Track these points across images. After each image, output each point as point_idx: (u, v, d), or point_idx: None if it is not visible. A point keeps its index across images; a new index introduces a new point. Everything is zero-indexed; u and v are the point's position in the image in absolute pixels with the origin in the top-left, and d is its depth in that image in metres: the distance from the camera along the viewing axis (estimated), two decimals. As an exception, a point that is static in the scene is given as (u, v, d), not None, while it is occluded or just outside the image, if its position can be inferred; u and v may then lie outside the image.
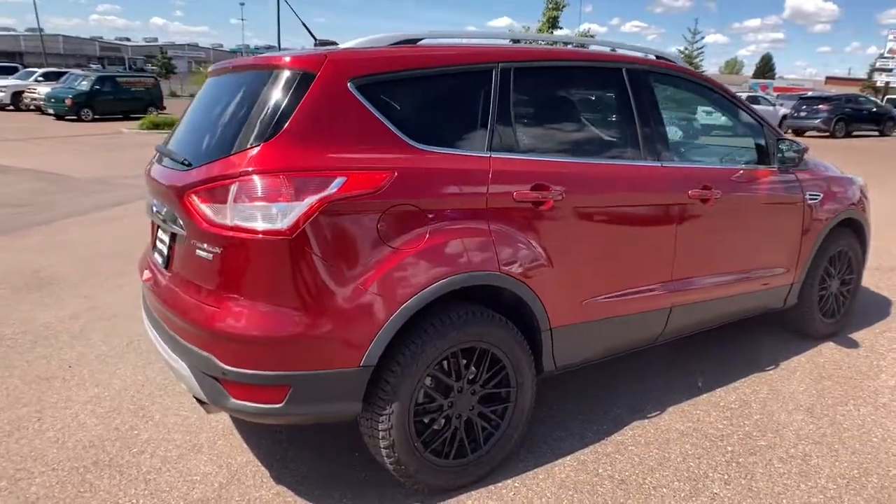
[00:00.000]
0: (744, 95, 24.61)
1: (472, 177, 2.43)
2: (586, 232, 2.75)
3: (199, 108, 2.79)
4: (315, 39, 2.90)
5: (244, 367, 2.16)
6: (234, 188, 2.12)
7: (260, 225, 2.10)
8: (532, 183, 2.55)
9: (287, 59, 2.30)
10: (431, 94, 2.51)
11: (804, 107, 24.05)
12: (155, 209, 2.63)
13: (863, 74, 57.37)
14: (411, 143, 2.33)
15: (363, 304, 2.20)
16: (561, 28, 17.20)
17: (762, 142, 3.55)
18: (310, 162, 2.16)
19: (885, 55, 34.32)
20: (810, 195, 3.66)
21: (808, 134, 23.34)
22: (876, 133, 24.78)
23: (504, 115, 2.56)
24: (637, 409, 3.19)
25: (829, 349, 3.94)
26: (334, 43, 2.89)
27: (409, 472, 2.41)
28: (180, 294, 2.36)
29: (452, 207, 2.37)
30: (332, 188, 2.14)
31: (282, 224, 2.10)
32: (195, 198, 2.23)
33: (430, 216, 2.32)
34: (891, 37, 34.42)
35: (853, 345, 4.01)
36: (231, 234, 2.13)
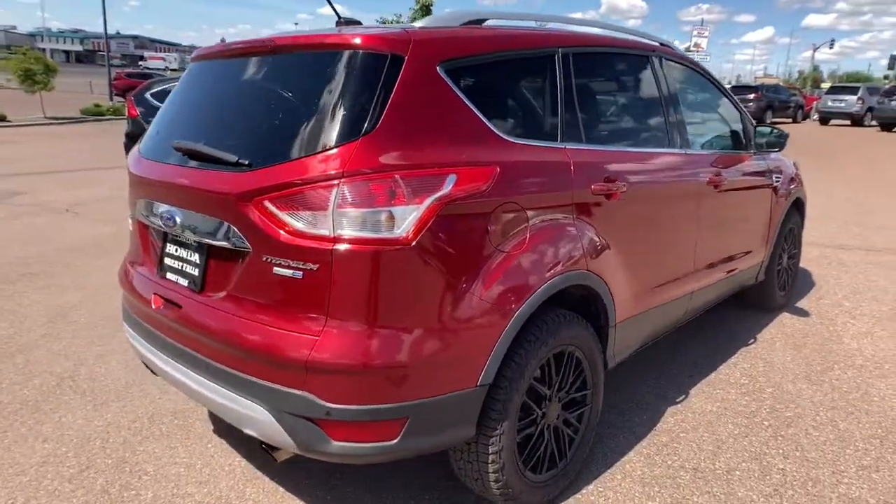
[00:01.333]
0: None
1: (560, 170, 2.25)
2: (640, 223, 2.69)
3: (216, 97, 2.30)
4: (339, 17, 2.53)
5: (355, 403, 1.81)
6: (336, 192, 1.75)
7: (372, 234, 1.76)
8: (604, 174, 2.43)
9: (360, 39, 1.93)
10: (512, 80, 2.29)
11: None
12: (171, 219, 2.13)
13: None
14: (500, 134, 2.10)
15: (480, 315, 1.95)
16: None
17: (742, 128, 3.73)
18: (418, 158, 1.86)
19: (691, 49, 38.60)
20: (776, 177, 3.94)
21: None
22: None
23: (570, 104, 2.41)
24: (662, 395, 3.22)
25: (788, 320, 4.28)
26: (358, 22, 2.54)
27: (513, 495, 2.19)
28: (244, 322, 1.92)
29: (546, 204, 2.18)
30: (447, 187, 1.86)
31: (399, 231, 1.77)
32: (271, 205, 1.82)
33: (529, 214, 2.11)
34: (695, 32, 38.87)
35: (804, 314, 4.39)
36: (333, 246, 1.75)
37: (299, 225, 1.79)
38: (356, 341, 1.79)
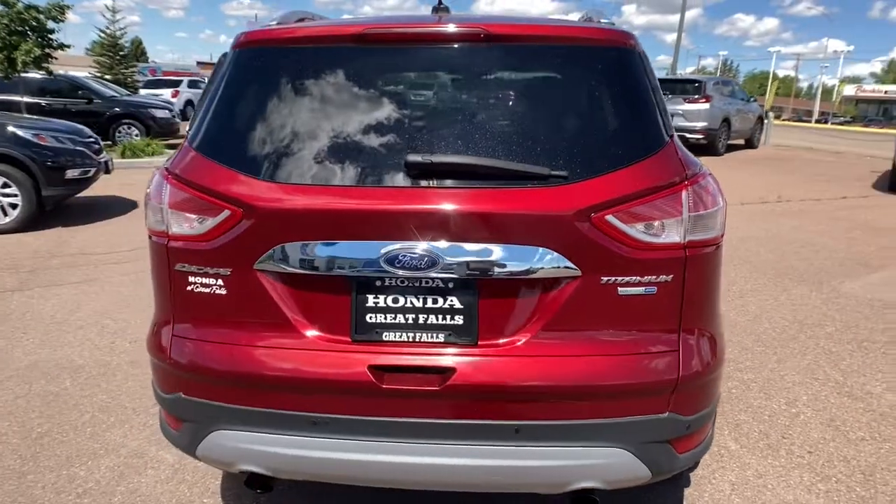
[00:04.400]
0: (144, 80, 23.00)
1: None
2: None
3: (405, 94, 1.82)
4: (440, 2, 2.19)
5: (702, 409, 1.79)
6: (686, 197, 1.67)
7: (709, 234, 1.74)
8: None
9: (609, 35, 1.82)
10: None
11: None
12: (420, 258, 1.61)
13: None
14: None
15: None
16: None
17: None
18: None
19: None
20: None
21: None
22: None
23: None
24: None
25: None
26: (446, 8, 2.27)
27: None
28: (584, 360, 1.66)
29: None
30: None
31: (719, 228, 1.79)
32: (615, 220, 1.62)
33: None
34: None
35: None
36: (686, 253, 1.68)
37: (646, 237, 1.65)
38: (707, 345, 1.78)
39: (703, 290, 1.77)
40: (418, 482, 1.74)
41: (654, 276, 1.65)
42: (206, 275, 1.72)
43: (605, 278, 1.63)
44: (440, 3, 2.20)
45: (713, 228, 1.75)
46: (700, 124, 14.21)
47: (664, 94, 1.88)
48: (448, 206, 1.60)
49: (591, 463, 1.67)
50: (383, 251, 1.61)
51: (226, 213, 1.67)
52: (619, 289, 1.64)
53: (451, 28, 1.78)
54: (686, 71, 68.37)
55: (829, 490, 2.45)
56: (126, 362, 3.47)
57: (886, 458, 2.66)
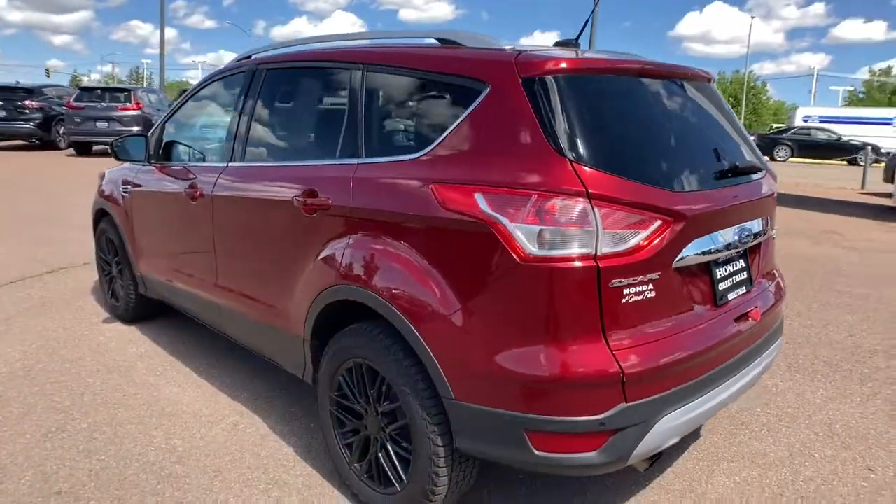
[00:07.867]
0: None
1: None
2: None
3: (677, 117, 2.40)
4: (580, 36, 2.65)
5: None
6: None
7: None
8: None
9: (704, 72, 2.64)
10: None
11: None
12: (749, 234, 2.37)
13: None
14: None
15: None
16: None
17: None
18: None
19: None
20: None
21: None
22: None
23: None
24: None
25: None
26: (579, 45, 2.62)
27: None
28: (780, 281, 2.74)
29: None
30: None
31: None
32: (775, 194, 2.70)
33: None
34: None
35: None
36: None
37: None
38: None
39: None
40: (742, 395, 2.48)
41: (776, 228, 2.71)
42: (640, 283, 1.91)
43: (773, 231, 2.66)
44: (577, 39, 2.59)
45: None
46: None
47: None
48: (756, 195, 2.46)
49: (779, 350, 2.65)
50: (739, 234, 2.29)
51: (657, 223, 1.93)
52: (773, 234, 2.67)
53: (690, 71, 2.50)
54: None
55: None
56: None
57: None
